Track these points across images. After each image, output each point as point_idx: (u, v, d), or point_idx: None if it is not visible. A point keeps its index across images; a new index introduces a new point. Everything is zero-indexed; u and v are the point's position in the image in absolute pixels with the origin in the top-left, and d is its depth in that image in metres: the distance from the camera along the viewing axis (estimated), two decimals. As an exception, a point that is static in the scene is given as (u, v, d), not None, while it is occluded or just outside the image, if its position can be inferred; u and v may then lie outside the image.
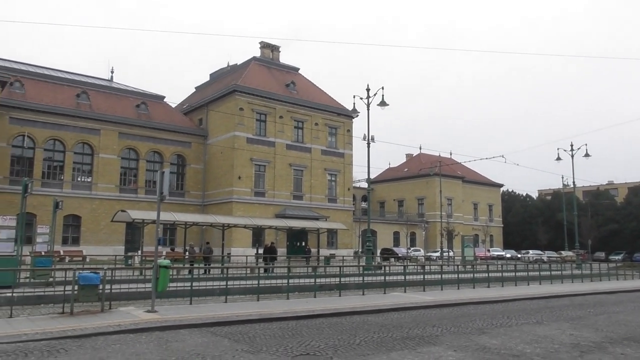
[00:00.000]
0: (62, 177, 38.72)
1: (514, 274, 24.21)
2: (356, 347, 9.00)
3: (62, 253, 31.24)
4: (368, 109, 29.43)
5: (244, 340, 9.52)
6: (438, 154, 58.64)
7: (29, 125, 36.90)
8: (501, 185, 76.72)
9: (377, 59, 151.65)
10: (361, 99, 29.55)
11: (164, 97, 48.56)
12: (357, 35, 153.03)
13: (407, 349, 8.83)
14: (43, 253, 20.59)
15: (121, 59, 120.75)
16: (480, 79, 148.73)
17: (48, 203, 30.67)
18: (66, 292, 12.16)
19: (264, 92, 44.02)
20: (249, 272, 22.33)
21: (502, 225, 73.79)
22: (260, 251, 34.51)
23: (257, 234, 40.57)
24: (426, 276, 19.84)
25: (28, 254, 21.19)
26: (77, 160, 39.76)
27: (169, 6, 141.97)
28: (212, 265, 26.52)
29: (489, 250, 58.27)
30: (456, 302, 15.86)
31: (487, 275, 22.65)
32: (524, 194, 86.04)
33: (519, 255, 57.16)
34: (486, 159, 37.65)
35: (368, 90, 29.32)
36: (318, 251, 37.99)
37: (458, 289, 20.15)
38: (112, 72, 49.70)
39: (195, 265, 25.52)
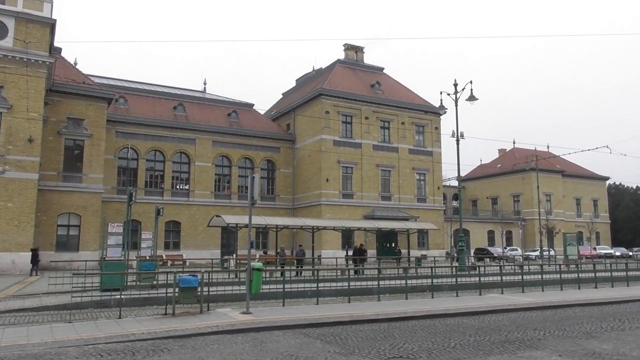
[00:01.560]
0: (162, 186, 41.32)
1: (625, 273, 22.17)
2: (451, 350, 8.65)
3: (164, 257, 33.21)
4: (456, 105, 28.46)
5: (336, 342, 9.50)
6: (534, 148, 55.28)
7: (132, 138, 39.82)
8: (607, 178, 70.81)
9: (464, 54, 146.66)
10: (448, 94, 28.63)
11: (253, 104, 50.27)
12: (443, 30, 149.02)
13: (506, 353, 8.34)
14: (147, 257, 21.95)
15: (213, 71, 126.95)
16: (577, 67, 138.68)
17: (151, 210, 32.83)
18: (168, 295, 12.85)
19: (349, 94, 44.11)
20: (339, 274, 22.38)
21: (610, 221, 68.06)
22: (350, 253, 34.53)
23: (347, 235, 40.65)
24: (525, 276, 18.71)
25: (134, 258, 22.70)
26: (176, 169, 42.22)
27: (253, 16, 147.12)
28: (303, 267, 26.94)
29: (595, 249, 53.97)
30: (559, 304, 14.79)
31: (594, 275, 20.94)
32: (634, 187, 78.89)
33: (631, 253, 52.40)
34: (588, 150, 34.74)
35: (456, 85, 28.35)
36: (408, 252, 37.30)
37: (561, 290, 18.83)
38: (204, 83, 52.38)
39: (287, 267, 26.03)
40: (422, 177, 46.87)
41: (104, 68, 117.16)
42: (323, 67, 52.99)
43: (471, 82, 27.27)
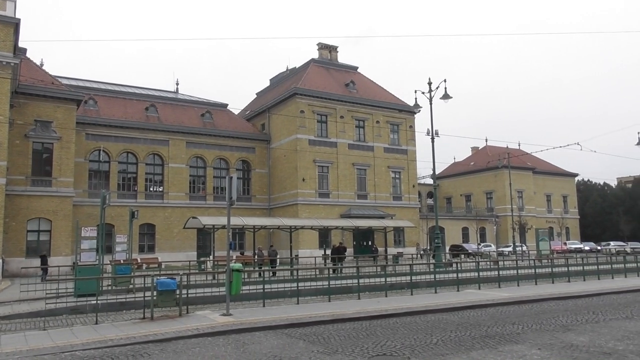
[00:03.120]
0: (135, 188, 40.61)
1: (596, 267, 22.78)
2: (433, 346, 8.72)
3: (139, 261, 32.68)
4: (431, 103, 28.76)
5: (319, 341, 9.48)
6: (506, 146, 56.32)
7: (103, 140, 38.99)
8: (576, 175, 72.70)
9: (438, 53, 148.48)
10: (423, 93, 28.91)
11: (227, 105, 49.84)
12: (417, 29, 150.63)
13: (487, 348, 8.45)
14: (122, 261, 21.58)
15: (186, 71, 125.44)
16: (548, 68, 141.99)
17: (124, 213, 32.24)
18: (146, 298, 12.63)
19: (323, 93, 44.16)
20: (318, 273, 22.37)
21: (579, 217, 69.85)
22: (328, 252, 34.55)
23: (324, 235, 40.69)
24: (501, 272, 19.04)
25: (108, 262, 22.28)
26: (149, 171, 41.55)
27: (226, 14, 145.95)
28: (281, 267, 26.82)
29: (565, 244, 55.31)
30: (535, 298, 15.10)
31: (566, 269, 21.45)
32: (602, 183, 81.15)
33: (599, 248, 53.86)
34: (560, 147, 35.43)
35: (430, 84, 28.64)
36: (386, 250, 37.53)
37: (536, 284, 19.22)
38: (177, 84, 51.68)
39: (265, 268, 25.89)
40: (397, 176, 47.25)
41: (72, 69, 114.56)
42: (297, 67, 52.92)
43: (445, 80, 27.58)
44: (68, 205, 33.60)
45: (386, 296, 16.06)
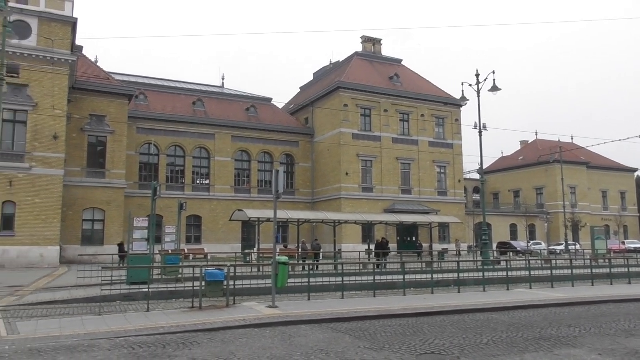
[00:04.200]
0: (183, 181, 41.63)
1: (659, 268, 21.65)
2: (484, 347, 8.49)
3: (186, 251, 33.53)
4: (478, 96, 28.04)
5: (365, 337, 9.42)
6: (557, 139, 54.25)
7: (153, 134, 40.14)
8: (635, 170, 69.17)
9: (485, 44, 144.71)
10: (470, 85, 28.23)
11: (271, 99, 50.31)
12: (464, 20, 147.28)
13: (542, 351, 8.15)
14: (171, 251, 22.17)
15: (231, 66, 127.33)
16: (603, 57, 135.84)
17: (172, 205, 33.14)
18: (195, 288, 12.91)
19: (367, 86, 43.84)
20: (361, 267, 22.29)
21: (639, 215, 66.58)
22: (372, 247, 34.39)
23: (367, 229, 40.51)
24: (554, 271, 18.35)
25: (158, 252, 22.94)
26: (196, 164, 42.49)
27: (271, 10, 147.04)
28: (324, 261, 26.90)
29: (623, 243, 52.86)
30: (592, 300, 14.47)
31: (627, 270, 20.46)
32: (665, 178, 76.91)
33: (662, 248, 51.14)
34: (619, 140, 33.69)
35: (477, 76, 27.92)
36: (431, 246, 37.03)
37: (592, 285, 18.44)
38: (223, 78, 52.65)
39: (309, 261, 26.01)
40: (442, 170, 46.44)
41: (124, 65, 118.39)
42: (341, 60, 52.75)
43: (494, 72, 26.82)
44: (120, 196, 34.88)
45: (432, 293, 15.81)
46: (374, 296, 15.03)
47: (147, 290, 13.16)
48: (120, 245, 28.25)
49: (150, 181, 35.51)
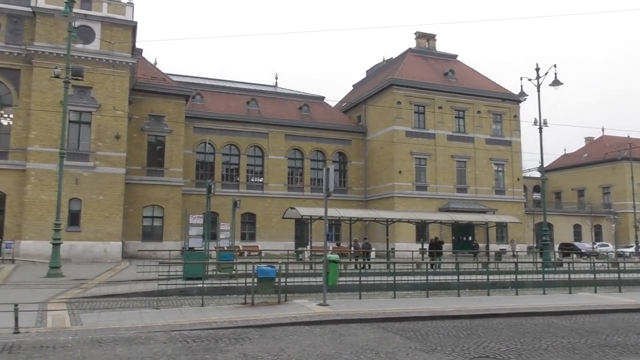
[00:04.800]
0: (238, 179, 42.48)
1: None
2: (543, 352, 8.10)
3: (241, 248, 34.16)
4: (538, 91, 26.90)
5: (417, 337, 9.22)
6: (627, 135, 51.22)
7: (209, 133, 41.18)
8: None
9: (545, 37, 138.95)
10: (529, 80, 27.12)
11: (323, 97, 50.42)
12: (522, 11, 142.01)
13: (607, 359, 7.67)
14: (226, 248, 22.62)
15: (283, 64, 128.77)
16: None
17: (227, 203, 33.86)
18: (247, 285, 13.08)
19: (421, 83, 43.09)
20: (414, 267, 21.92)
21: None
22: (425, 246, 33.78)
23: (420, 228, 39.84)
24: (622, 275, 17.29)
25: (213, 249, 23.48)
26: (250, 163, 43.24)
27: (322, 8, 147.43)
28: (376, 260, 26.67)
29: None
30: (666, 307, 13.53)
31: None
32: None
33: None
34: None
35: (537, 69, 26.78)
36: (487, 246, 35.93)
37: (665, 290, 17.28)
38: (276, 78, 53.21)
39: (360, 260, 25.86)
40: (500, 168, 44.97)
41: (181, 66, 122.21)
42: (394, 57, 52.13)
43: (555, 65, 25.64)
44: (178, 193, 36.05)
45: (488, 295, 15.31)
46: (427, 296, 14.72)
47: (201, 285, 13.49)
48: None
49: (206, 179, 36.47)
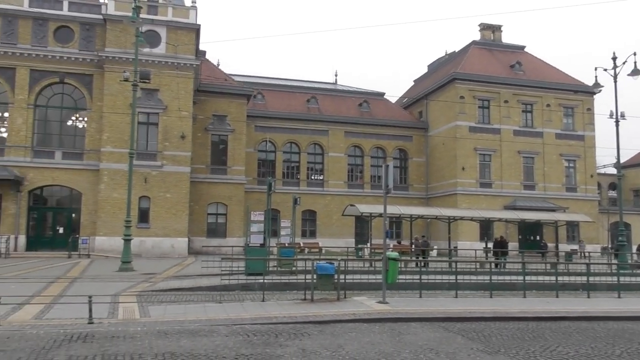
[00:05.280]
0: (298, 176, 42.98)
1: None
2: (616, 358, 7.65)
3: (302, 245, 34.56)
4: (615, 81, 25.29)
5: (479, 338, 8.95)
6: None
7: (270, 131, 41.91)
8: None
9: (623, 22, 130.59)
10: (605, 70, 25.58)
11: (384, 93, 49.98)
12: None
13: (690, 368, 7.11)
14: (286, 244, 22.97)
15: (343, 61, 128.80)
16: None
17: (288, 200, 34.34)
18: (307, 281, 13.21)
19: (485, 76, 41.73)
20: (478, 266, 21.30)
21: None
22: (489, 245, 32.75)
23: (485, 227, 38.63)
24: None
25: (274, 245, 23.90)
26: (310, 160, 43.59)
27: (382, 2, 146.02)
28: (437, 258, 26.13)
29: None
30: None
31: None
32: None
33: None
34: None
35: (614, 59, 25.20)
36: (557, 246, 34.30)
37: None
38: (336, 75, 53.43)
39: (421, 258, 25.45)
40: (571, 164, 42.76)
41: (242, 66, 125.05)
42: (457, 50, 50.77)
43: (635, 53, 24.02)
44: (240, 191, 36.99)
45: (557, 297, 14.61)
46: (490, 297, 14.27)
47: (262, 281, 13.76)
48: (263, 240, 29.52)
49: (267, 177, 37.18)
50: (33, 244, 30.31)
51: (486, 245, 34.20)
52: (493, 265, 21.89)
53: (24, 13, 31.06)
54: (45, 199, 32.05)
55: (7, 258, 26.31)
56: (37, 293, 13.46)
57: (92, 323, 9.30)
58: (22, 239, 29.99)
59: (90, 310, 9.42)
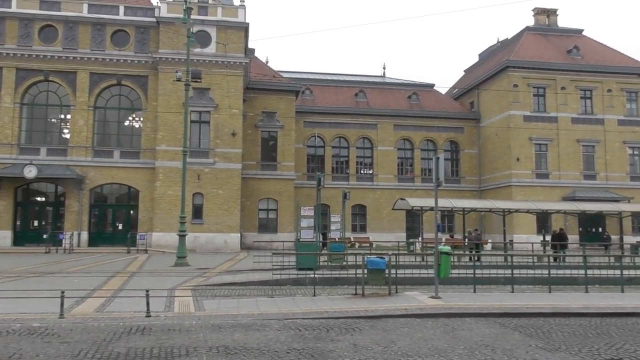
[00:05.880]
0: (347, 171, 42.90)
1: None
2: (691, 358, 7.13)
3: (352, 239, 34.47)
4: (682, 62, 23.68)
5: (538, 335, 8.61)
6: None
7: (318, 127, 42.03)
8: None
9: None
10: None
11: (433, 85, 49.03)
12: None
13: None
14: (337, 239, 22.96)
15: (391, 53, 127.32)
16: None
17: (338, 195, 34.41)
18: (357, 276, 13.15)
19: (540, 63, 40.08)
20: (535, 260, 20.53)
21: None
22: (547, 238, 31.53)
23: (542, 219, 37.23)
24: None
25: (327, 240, 23.91)
26: (359, 154, 43.40)
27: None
28: (492, 252, 25.40)
29: None
30: None
31: None
32: None
33: None
34: None
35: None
36: (621, 238, 32.55)
37: None
38: (383, 68, 52.74)
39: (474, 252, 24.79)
40: (636, 152, 40.45)
41: (290, 62, 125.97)
42: (509, 37, 49.04)
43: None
44: (290, 187, 37.34)
45: (622, 292, 13.87)
46: (549, 292, 13.71)
47: (313, 276, 13.80)
48: (324, 234, 29.70)
49: (316, 172, 37.32)
50: (94, 240, 31.80)
51: (544, 238, 32.95)
52: (552, 259, 21.05)
53: (83, 19, 32.52)
54: (105, 196, 33.53)
55: (71, 253, 27.70)
56: (98, 287, 14.08)
57: (149, 316, 9.62)
58: (85, 235, 31.52)
59: (148, 304, 9.74)
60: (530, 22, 46.67)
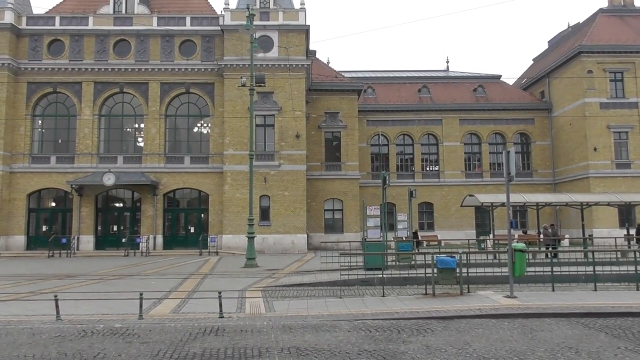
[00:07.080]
0: (413, 168, 42.21)
1: None
2: None
3: (420, 238, 33.83)
4: None
5: (626, 336, 8.04)
6: None
7: (381, 125, 41.65)
8: None
9: None
10: None
11: (500, 76, 47.23)
12: None
13: None
14: (404, 238, 22.62)
15: (454, 46, 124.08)
16: None
17: (403, 193, 33.93)
18: (427, 275, 12.87)
19: (617, 46, 37.58)
20: (619, 256, 19.25)
21: None
22: (632, 232, 29.49)
23: (625, 212, 34.89)
24: None
25: (392, 239, 23.66)
26: (424, 151, 42.57)
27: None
28: (569, 248, 24.08)
29: None
30: None
31: None
32: None
33: None
34: None
35: None
36: None
37: None
38: (447, 61, 51.67)
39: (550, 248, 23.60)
40: None
41: (351, 61, 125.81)
42: (580, 22, 46.34)
43: None
44: (355, 186, 37.26)
45: None
46: (637, 289, 12.80)
47: (381, 275, 13.66)
48: (415, 233, 29.56)
49: (381, 171, 37.01)
50: (169, 243, 33.27)
51: (628, 232, 30.87)
52: (638, 254, 19.67)
53: (153, 32, 34.14)
54: (177, 201, 34.99)
55: (147, 256, 29.13)
56: (173, 288, 14.66)
57: (222, 317, 9.87)
58: (160, 239, 33.03)
59: (221, 305, 10.00)
60: (604, 3, 43.90)
